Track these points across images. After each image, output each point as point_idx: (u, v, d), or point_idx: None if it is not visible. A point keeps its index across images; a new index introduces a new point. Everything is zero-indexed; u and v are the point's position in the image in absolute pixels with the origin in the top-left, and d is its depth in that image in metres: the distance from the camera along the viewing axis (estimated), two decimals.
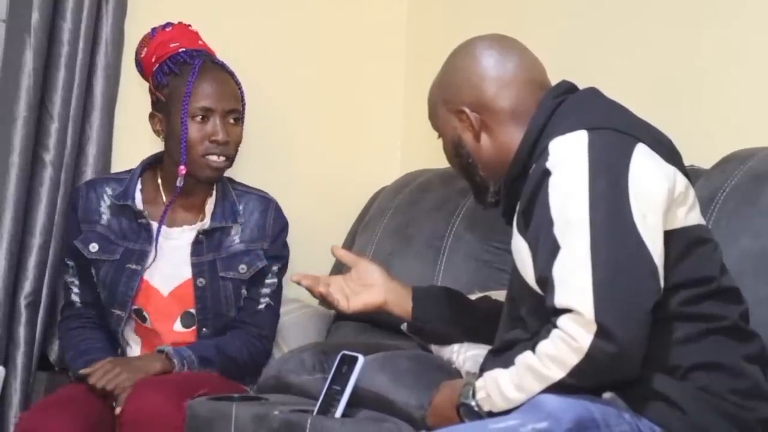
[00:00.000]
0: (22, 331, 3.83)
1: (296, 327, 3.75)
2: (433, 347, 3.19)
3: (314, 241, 3.79)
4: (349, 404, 2.95)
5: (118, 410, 3.33)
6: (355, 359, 2.97)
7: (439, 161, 3.04)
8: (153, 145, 3.78)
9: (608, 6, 3.79)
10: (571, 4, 3.94)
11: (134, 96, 3.97)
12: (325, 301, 3.21)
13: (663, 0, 3.67)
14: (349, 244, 3.87)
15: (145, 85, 3.76)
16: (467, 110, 2.82)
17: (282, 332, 3.73)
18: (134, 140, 3.97)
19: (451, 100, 2.87)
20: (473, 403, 2.59)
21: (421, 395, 2.89)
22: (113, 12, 3.98)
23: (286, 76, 4.31)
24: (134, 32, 3.92)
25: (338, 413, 2.92)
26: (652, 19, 3.68)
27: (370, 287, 3.14)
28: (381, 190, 4.06)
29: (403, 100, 4.50)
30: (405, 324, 3.19)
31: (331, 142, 4.41)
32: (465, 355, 3.06)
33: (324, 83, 4.44)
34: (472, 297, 3.20)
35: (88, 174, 3.95)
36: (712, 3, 3.49)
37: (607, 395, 2.51)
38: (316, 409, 2.96)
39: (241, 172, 3.80)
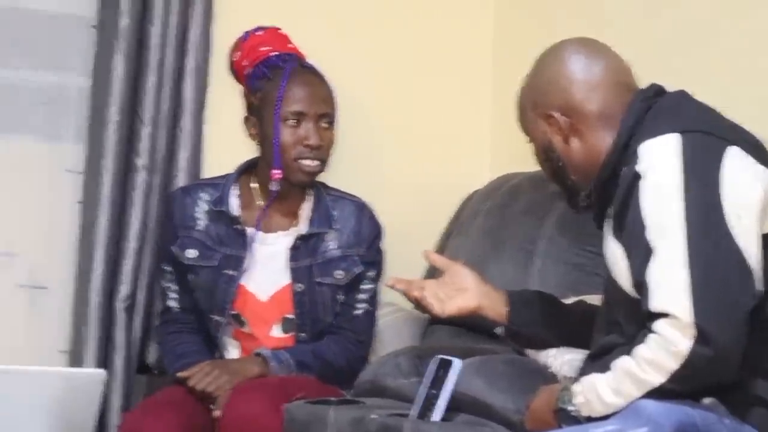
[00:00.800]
0: (120, 335, 3.91)
1: (391, 330, 3.78)
2: (529, 351, 3.21)
3: (407, 246, 3.75)
4: (446, 409, 2.96)
5: (216, 413, 3.39)
6: (452, 363, 2.98)
7: (529, 164, 3.06)
8: (244, 148, 3.80)
9: (695, 7, 3.73)
10: (656, 5, 3.88)
11: (224, 99, 4.02)
12: (419, 305, 3.22)
13: None
14: (441, 248, 3.87)
15: (235, 88, 3.79)
16: (556, 114, 2.84)
17: (377, 336, 3.76)
18: (224, 144, 4.04)
19: (539, 104, 2.89)
20: (571, 408, 2.62)
21: (518, 399, 2.90)
22: (200, 16, 4.06)
23: (375, 79, 4.33)
24: (221, 36, 4.00)
25: (436, 417, 2.94)
26: (741, 17, 3.59)
27: (463, 291, 3.14)
28: (472, 194, 4.04)
29: (492, 102, 4.48)
30: (500, 328, 3.22)
31: (422, 147, 4.43)
32: (561, 359, 3.07)
33: (414, 87, 4.44)
34: (567, 301, 3.21)
35: (180, 178, 4.02)
36: None
37: (707, 401, 2.53)
38: (413, 413, 2.98)
39: (334, 176, 3.81)
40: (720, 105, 2.79)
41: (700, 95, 2.82)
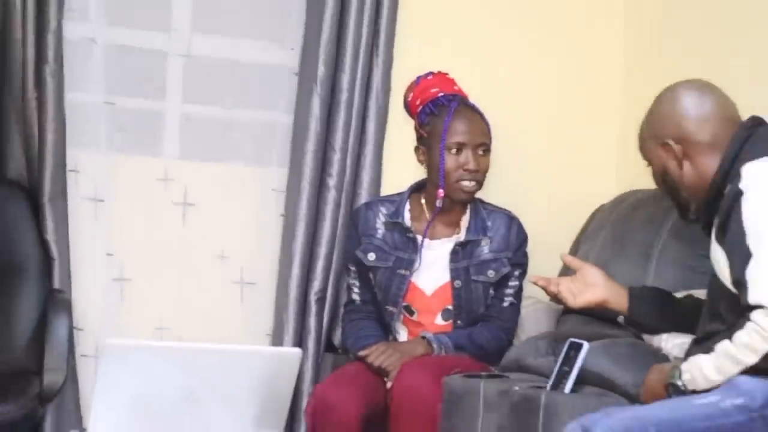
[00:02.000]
0: (312, 322, 3.96)
1: (531, 319, 3.71)
2: (645, 336, 3.20)
3: (546, 250, 3.72)
4: (575, 382, 2.99)
5: (389, 384, 3.42)
6: (581, 345, 3.01)
7: (649, 183, 3.03)
8: (414, 172, 3.79)
9: None
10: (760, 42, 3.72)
11: (399, 131, 4.01)
12: (555, 298, 3.24)
13: None
14: (573, 251, 3.78)
15: (409, 123, 3.78)
16: (671, 142, 2.84)
17: (520, 323, 3.71)
18: (399, 168, 4.02)
19: (657, 135, 2.88)
20: (680, 383, 2.62)
21: (636, 376, 2.91)
22: (382, 64, 4.05)
23: (523, 113, 4.26)
24: (399, 80, 3.99)
25: (567, 389, 2.98)
26: None
27: (593, 287, 3.13)
28: (600, 207, 3.94)
29: (619, 128, 4.31)
30: (622, 317, 3.18)
31: (559, 167, 4.31)
32: (672, 342, 3.06)
33: (552, 117, 4.36)
34: (678, 295, 3.15)
35: (363, 196, 4.02)
36: None
37: None
38: (549, 386, 3.00)
39: (488, 193, 3.77)
40: None
41: None
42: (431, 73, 3.79)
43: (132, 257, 3.94)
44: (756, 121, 2.82)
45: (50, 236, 3.73)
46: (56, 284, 3.71)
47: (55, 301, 3.63)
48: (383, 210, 3.76)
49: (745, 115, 2.87)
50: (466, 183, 3.65)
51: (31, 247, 3.69)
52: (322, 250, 3.97)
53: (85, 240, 3.85)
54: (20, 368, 3.53)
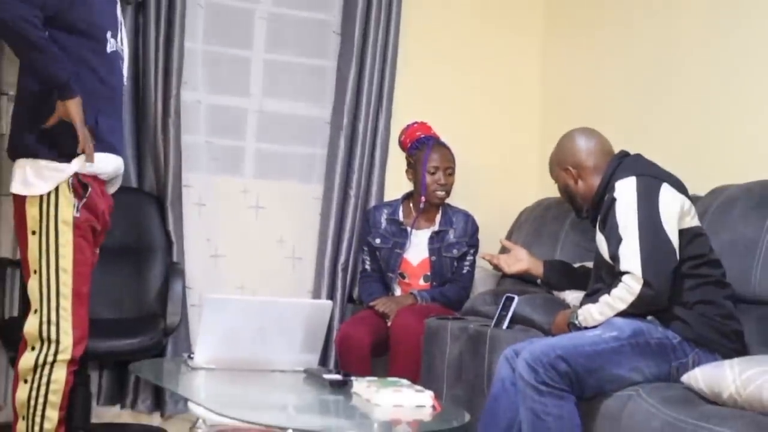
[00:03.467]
0: (339, 283, 3.87)
1: (481, 281, 3.65)
2: (555, 292, 3.17)
3: (491, 237, 3.67)
4: (510, 321, 2.99)
5: (389, 323, 3.42)
6: (513, 298, 3.03)
7: (557, 193, 3.00)
8: (406, 185, 3.79)
9: (644, 106, 3.57)
10: (630, 101, 3.63)
11: (396, 160, 3.94)
12: (496, 268, 3.23)
13: (676, 93, 3.37)
14: (508, 237, 3.71)
15: (401, 154, 3.80)
16: (570, 168, 2.84)
17: (474, 284, 3.67)
18: (396, 183, 3.89)
19: (561, 163, 2.87)
20: (577, 322, 2.64)
21: (548, 317, 2.90)
22: (385, 115, 3.95)
23: (476, 146, 4.08)
24: (395, 126, 3.92)
25: (504, 327, 2.99)
26: (671, 108, 3.42)
27: (520, 260, 3.14)
28: (525, 209, 3.85)
29: (537, 157, 4.01)
30: (539, 280, 3.16)
31: (498, 182, 4.17)
32: (572, 296, 3.05)
33: (496, 152, 4.20)
34: (575, 265, 3.15)
35: (372, 201, 3.94)
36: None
37: (649, 318, 2.54)
38: (492, 325, 3.02)
39: (453, 199, 3.74)
40: (659, 160, 2.71)
41: (649, 155, 2.76)
42: (416, 122, 3.79)
43: (223, 241, 3.89)
44: (623, 153, 2.80)
45: (171, 228, 3.70)
46: (174, 258, 3.70)
47: (173, 270, 3.62)
48: (385, 211, 3.74)
49: (617, 149, 2.85)
50: (439, 193, 3.65)
51: (158, 235, 3.67)
52: (346, 236, 3.91)
53: (192, 230, 3.81)
54: (151, 313, 3.52)
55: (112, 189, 2.82)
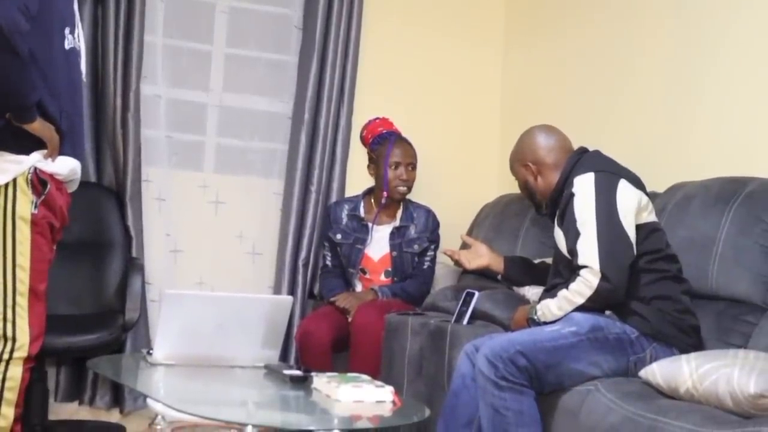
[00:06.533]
0: (300, 279, 3.85)
1: (442, 276, 3.66)
2: (515, 288, 3.18)
3: (452, 233, 3.69)
4: (471, 317, 3.00)
5: (350, 319, 3.39)
6: (474, 293, 3.02)
7: (517, 189, 3.01)
8: (367, 181, 3.78)
9: (601, 104, 3.56)
10: (590, 99, 3.62)
11: (357, 155, 3.93)
12: (457, 263, 3.25)
13: (634, 92, 3.38)
14: (469, 233, 3.73)
15: (363, 150, 3.79)
16: (530, 164, 2.84)
17: (434, 279, 3.67)
18: (357, 179, 3.92)
19: (521, 159, 2.87)
20: (536, 317, 2.63)
21: (508, 313, 2.90)
22: (346, 110, 3.94)
23: (436, 144, 4.08)
24: (357, 121, 3.91)
25: (464, 322, 2.99)
26: (629, 109, 3.41)
27: (481, 256, 3.17)
28: (486, 204, 3.85)
29: (498, 155, 4.11)
30: (500, 275, 3.19)
31: (460, 179, 4.16)
32: (531, 292, 3.07)
33: (457, 149, 4.20)
34: (535, 261, 3.16)
35: (333, 196, 3.92)
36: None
37: (607, 313, 2.55)
38: (453, 320, 3.02)
39: (415, 194, 3.74)
40: (618, 156, 2.72)
41: (607, 151, 2.77)
42: (378, 117, 3.79)
43: (182, 236, 3.86)
44: (582, 150, 2.81)
45: (130, 223, 3.67)
46: (133, 254, 3.66)
47: (132, 265, 3.59)
48: (346, 206, 3.73)
49: (576, 146, 2.85)
50: (400, 188, 3.64)
51: (117, 230, 3.64)
52: (307, 231, 3.89)
53: (152, 225, 3.78)
54: (110, 309, 3.50)
55: (69, 190, 2.77)
